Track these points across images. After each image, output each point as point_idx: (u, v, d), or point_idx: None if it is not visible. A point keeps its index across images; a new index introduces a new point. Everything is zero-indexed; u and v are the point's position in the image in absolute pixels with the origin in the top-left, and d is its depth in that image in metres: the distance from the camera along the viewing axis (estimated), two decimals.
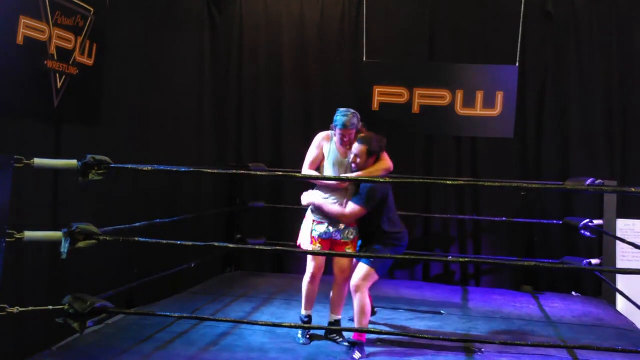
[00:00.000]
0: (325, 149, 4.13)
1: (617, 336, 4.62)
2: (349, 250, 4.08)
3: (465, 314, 5.18)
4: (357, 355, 3.81)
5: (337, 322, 4.22)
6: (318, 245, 4.05)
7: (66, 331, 3.62)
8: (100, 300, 3.23)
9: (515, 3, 6.26)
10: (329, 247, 4.06)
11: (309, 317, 4.23)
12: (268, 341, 4.11)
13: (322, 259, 4.16)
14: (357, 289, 3.90)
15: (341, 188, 4.02)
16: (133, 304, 4.85)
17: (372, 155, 3.96)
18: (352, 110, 4.07)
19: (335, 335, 4.17)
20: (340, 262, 4.11)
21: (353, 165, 3.99)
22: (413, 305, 5.31)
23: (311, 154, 4.16)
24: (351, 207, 3.94)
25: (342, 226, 4.04)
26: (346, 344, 4.05)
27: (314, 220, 4.09)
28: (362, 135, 4.00)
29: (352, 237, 4.07)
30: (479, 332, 4.63)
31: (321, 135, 4.20)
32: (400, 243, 4.06)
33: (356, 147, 3.95)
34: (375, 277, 3.93)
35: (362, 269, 3.93)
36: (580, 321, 5.10)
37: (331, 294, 4.23)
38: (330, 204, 4.01)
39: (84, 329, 3.18)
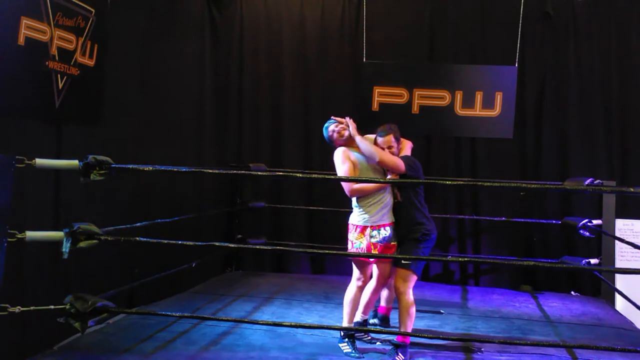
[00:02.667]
0: (352, 158, 4.01)
1: (615, 335, 4.63)
2: (395, 253, 4.05)
3: (465, 314, 5.20)
4: (399, 357, 3.83)
5: (365, 322, 4.24)
6: (376, 252, 3.96)
7: (67, 330, 3.65)
8: (102, 300, 3.25)
9: (515, 4, 6.28)
10: (382, 252, 3.97)
11: (366, 321, 4.22)
12: (268, 340, 4.13)
13: (372, 268, 4.10)
14: (400, 292, 3.91)
15: (387, 186, 4.00)
16: (134, 304, 4.86)
17: (399, 140, 4.14)
18: (332, 121, 4.11)
19: (363, 334, 4.19)
20: (385, 270, 4.06)
21: None
22: None
23: (348, 168, 3.96)
24: (396, 158, 3.99)
25: (392, 228, 3.99)
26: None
27: (371, 227, 3.96)
28: (379, 129, 4.10)
29: (397, 240, 4.04)
30: (478, 332, 4.65)
31: (341, 150, 4.04)
32: (431, 235, 4.05)
33: (384, 140, 4.03)
34: (415, 277, 3.94)
35: (400, 272, 3.94)
36: (579, 320, 5.11)
37: (368, 296, 4.14)
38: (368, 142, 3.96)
39: (85, 328, 3.19)
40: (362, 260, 3.99)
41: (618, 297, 5.56)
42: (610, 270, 5.78)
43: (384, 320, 4.46)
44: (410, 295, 3.92)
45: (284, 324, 3.92)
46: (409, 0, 6.79)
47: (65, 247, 3.14)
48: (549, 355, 4.04)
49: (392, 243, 4.02)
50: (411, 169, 4.00)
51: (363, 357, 3.92)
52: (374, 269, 4.12)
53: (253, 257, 6.88)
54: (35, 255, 3.69)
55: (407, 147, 4.25)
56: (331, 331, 4.24)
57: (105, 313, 3.27)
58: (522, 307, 5.51)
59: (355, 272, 4.01)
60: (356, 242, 3.99)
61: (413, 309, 3.92)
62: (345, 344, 3.96)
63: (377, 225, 3.96)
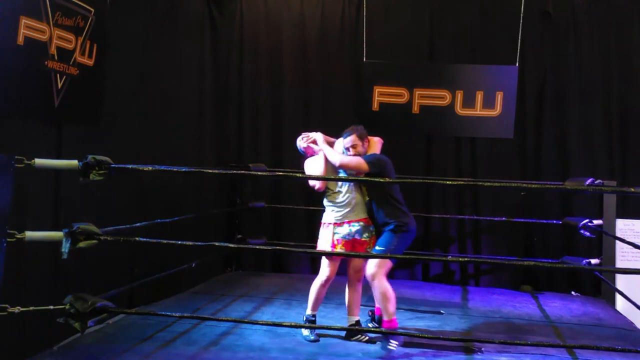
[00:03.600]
0: (315, 167, 4.25)
1: (616, 336, 4.62)
2: (369, 249, 4.12)
3: (465, 314, 5.19)
4: (393, 343, 3.86)
5: (358, 323, 4.26)
6: (340, 248, 4.07)
7: (67, 331, 3.64)
8: (101, 300, 3.25)
9: (515, 3, 6.27)
10: (350, 248, 4.09)
11: (315, 316, 4.26)
12: (268, 341, 4.12)
13: (338, 264, 4.18)
14: (373, 276, 3.96)
15: (348, 186, 4.13)
16: (134, 304, 4.86)
17: (364, 139, 4.15)
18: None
19: (359, 335, 4.20)
20: (355, 263, 4.17)
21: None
22: (413, 305, 5.32)
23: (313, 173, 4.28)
24: (357, 158, 4.05)
25: (362, 224, 4.09)
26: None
27: (334, 224, 4.11)
28: (345, 131, 4.20)
29: (371, 235, 4.13)
30: (478, 332, 4.64)
31: (307, 161, 4.33)
32: (408, 228, 4.08)
33: (347, 140, 4.12)
34: (389, 263, 4.00)
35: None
36: (580, 321, 5.11)
37: (347, 295, 4.26)
38: (332, 150, 4.16)
39: (85, 328, 3.19)
40: (328, 257, 4.10)
41: (618, 297, 5.55)
42: (611, 271, 5.78)
43: (381, 322, 4.45)
44: (383, 279, 3.95)
45: (284, 324, 3.94)
46: (409, 0, 6.79)
47: (65, 247, 3.13)
48: (549, 355, 4.03)
49: (363, 239, 4.10)
50: (374, 166, 4.04)
51: (319, 340, 4.07)
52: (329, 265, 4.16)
53: (253, 257, 6.87)
54: (35, 255, 3.68)
55: (375, 145, 4.27)
56: (331, 331, 4.24)
57: (105, 313, 3.27)
58: (522, 307, 5.50)
59: (322, 267, 4.14)
60: (323, 239, 4.15)
61: (390, 292, 3.96)
62: (307, 329, 4.14)
63: (341, 222, 4.10)
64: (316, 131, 4.35)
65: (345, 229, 4.09)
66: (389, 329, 3.90)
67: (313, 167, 4.23)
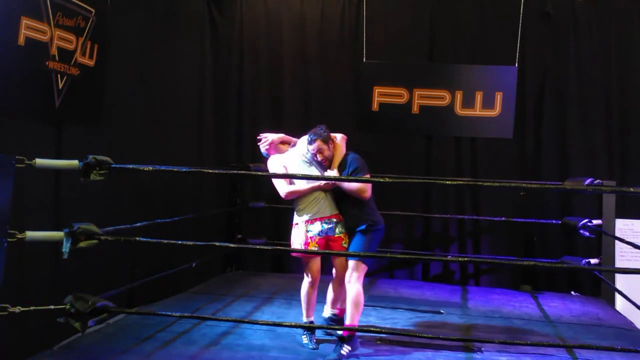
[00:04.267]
0: (282, 163, 4.24)
1: (615, 335, 4.63)
2: (344, 244, 4.10)
3: (465, 314, 5.19)
4: (345, 350, 3.81)
5: (336, 316, 4.27)
6: (315, 246, 4.05)
7: (67, 330, 3.64)
8: (102, 300, 3.25)
9: (515, 4, 6.28)
10: (325, 245, 4.07)
11: (312, 322, 4.23)
12: (269, 340, 4.13)
13: (320, 263, 4.16)
14: (350, 281, 3.93)
15: (328, 189, 4.11)
16: (134, 304, 4.86)
17: (329, 142, 4.05)
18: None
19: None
20: (341, 258, 4.15)
21: (322, 161, 4.07)
22: (413, 305, 5.33)
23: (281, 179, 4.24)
24: (359, 185, 3.95)
25: (334, 221, 4.06)
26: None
27: (306, 221, 4.08)
28: (309, 133, 4.10)
29: (344, 230, 4.10)
30: (478, 332, 4.65)
31: (271, 159, 4.32)
32: (377, 227, 4.05)
33: (312, 148, 4.05)
34: (365, 266, 3.96)
35: (350, 262, 3.95)
36: (579, 320, 5.11)
37: (330, 290, 4.25)
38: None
39: (85, 328, 3.19)
40: (306, 257, 4.08)
41: (618, 297, 5.56)
42: (610, 270, 5.78)
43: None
44: (359, 286, 3.91)
45: (284, 324, 3.94)
46: (409, 0, 6.80)
47: (65, 247, 3.14)
48: (548, 355, 4.04)
49: (337, 235, 4.07)
50: (365, 171, 4.02)
51: (317, 349, 4.00)
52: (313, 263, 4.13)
53: (253, 257, 6.88)
54: (35, 255, 3.69)
55: (341, 145, 4.13)
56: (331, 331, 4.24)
57: (105, 313, 3.27)
58: (522, 307, 5.51)
59: (304, 269, 4.12)
60: (297, 239, 4.11)
61: (362, 300, 3.92)
62: (305, 335, 4.09)
63: (313, 220, 4.05)
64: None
65: (317, 227, 4.04)
66: (347, 335, 3.86)
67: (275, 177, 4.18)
